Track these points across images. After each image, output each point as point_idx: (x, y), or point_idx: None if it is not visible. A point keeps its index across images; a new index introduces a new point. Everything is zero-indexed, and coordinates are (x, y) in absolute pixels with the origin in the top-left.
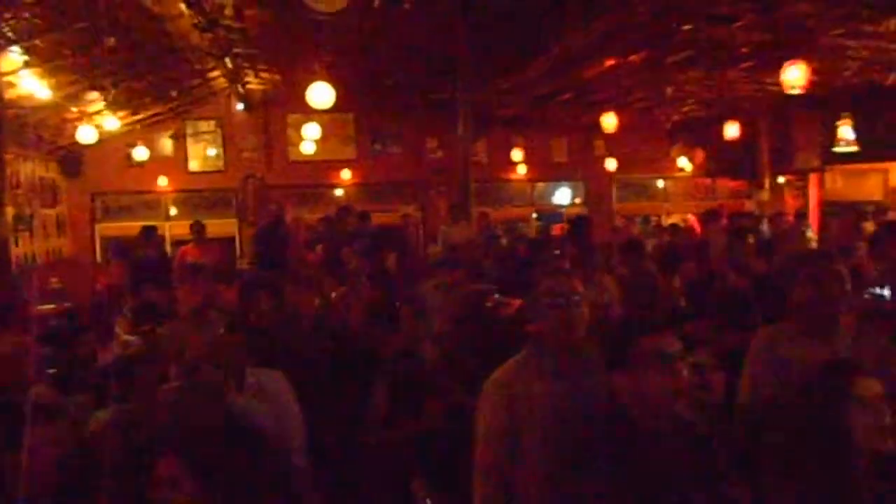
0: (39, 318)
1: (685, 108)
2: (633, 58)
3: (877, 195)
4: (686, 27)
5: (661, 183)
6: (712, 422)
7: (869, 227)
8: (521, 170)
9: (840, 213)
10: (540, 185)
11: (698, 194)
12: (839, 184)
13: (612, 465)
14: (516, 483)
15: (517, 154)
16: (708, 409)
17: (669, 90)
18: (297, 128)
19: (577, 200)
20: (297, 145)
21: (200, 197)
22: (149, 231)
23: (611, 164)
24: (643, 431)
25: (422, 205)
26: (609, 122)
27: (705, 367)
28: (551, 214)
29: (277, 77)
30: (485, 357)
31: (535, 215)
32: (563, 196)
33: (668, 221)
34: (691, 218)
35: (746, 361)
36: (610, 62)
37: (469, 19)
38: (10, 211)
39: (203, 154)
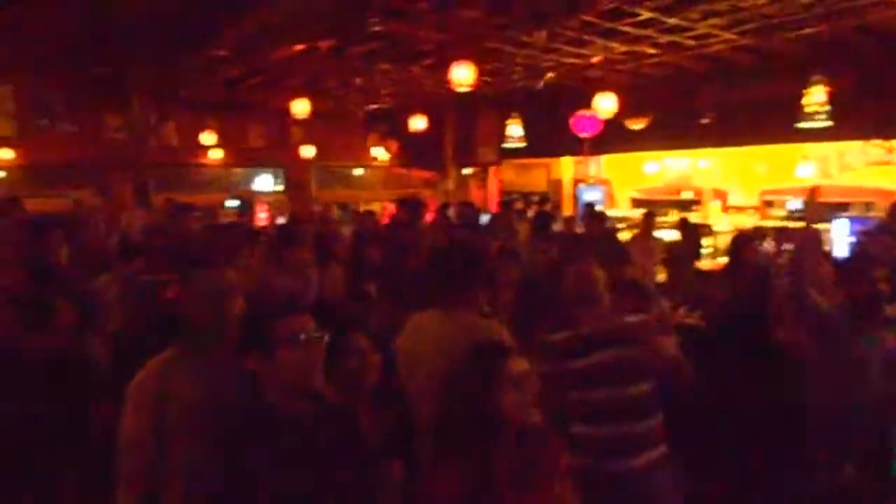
0: None
1: (378, 99)
2: (320, 44)
3: (541, 186)
4: (371, 20)
5: (358, 171)
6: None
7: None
8: (216, 154)
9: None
10: (238, 170)
11: (394, 183)
12: (513, 175)
13: (258, 453)
14: (164, 490)
15: (209, 138)
16: (367, 389)
17: (359, 80)
18: None
19: (278, 187)
20: None
21: None
22: None
23: (308, 151)
24: (284, 414)
25: (101, 190)
26: (300, 107)
27: (364, 350)
28: (247, 201)
29: None
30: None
31: (235, 202)
32: (262, 182)
33: (364, 208)
34: (390, 206)
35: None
36: (298, 47)
37: None
38: None
39: None
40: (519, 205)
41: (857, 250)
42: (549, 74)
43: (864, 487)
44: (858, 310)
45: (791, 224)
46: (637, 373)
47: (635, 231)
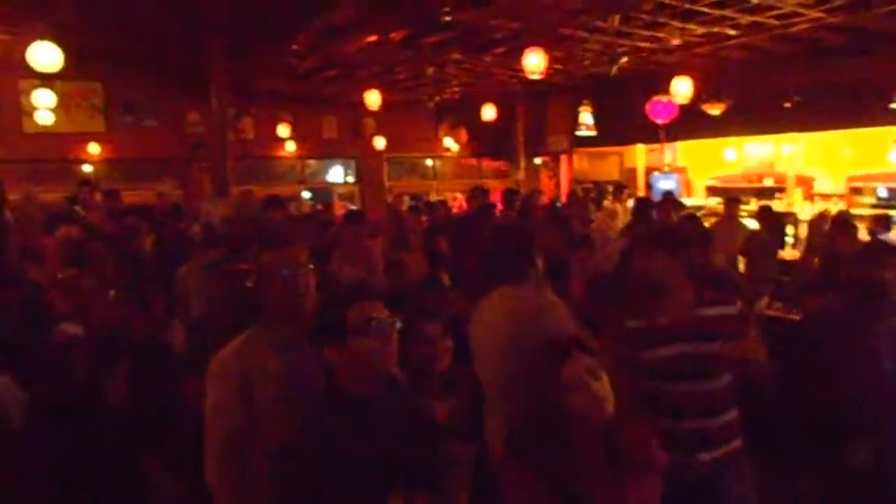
0: None
1: (448, 90)
2: (393, 35)
3: (614, 175)
4: (444, 9)
5: (429, 162)
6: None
7: (608, 203)
8: (290, 146)
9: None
10: (311, 162)
11: (465, 173)
12: (585, 164)
13: (333, 435)
14: (251, 455)
15: (284, 130)
16: (438, 374)
17: (430, 70)
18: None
19: (350, 179)
20: (32, 115)
21: None
22: None
23: (380, 143)
24: (357, 398)
25: (182, 182)
26: (373, 99)
27: (435, 337)
28: (323, 192)
29: (3, 37)
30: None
31: (307, 194)
32: (335, 174)
33: (435, 199)
34: (460, 196)
35: None
36: (371, 38)
37: None
38: None
39: None
40: (591, 193)
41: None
42: (623, 59)
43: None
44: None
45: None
46: (714, 368)
47: (714, 219)
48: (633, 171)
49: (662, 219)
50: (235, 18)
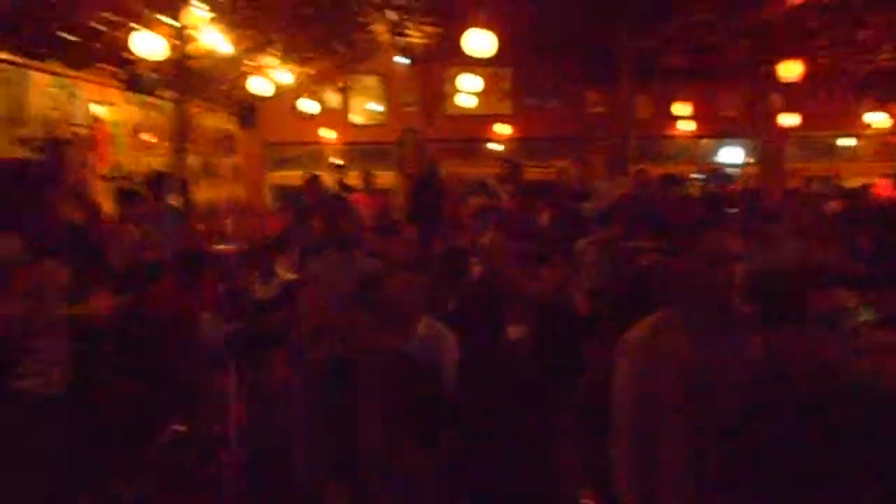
0: (215, 257)
1: (880, 57)
2: None
3: None
4: None
5: (843, 141)
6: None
7: None
8: (685, 125)
9: None
10: (705, 141)
11: (888, 155)
12: None
13: (768, 434)
14: (656, 443)
15: (681, 108)
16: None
17: (860, 35)
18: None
19: (748, 159)
20: (453, 98)
21: (362, 149)
22: (312, 181)
23: (787, 120)
24: (807, 395)
25: (578, 161)
26: (790, 69)
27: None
28: (717, 174)
29: (438, 29)
30: (637, 313)
31: (698, 175)
32: (730, 154)
33: (850, 184)
34: (879, 181)
35: None
36: (795, 1)
37: None
38: (195, 159)
39: (365, 107)
40: None
41: None
42: None
43: None
44: None
45: None
46: None
47: None
48: None
49: None
50: None
